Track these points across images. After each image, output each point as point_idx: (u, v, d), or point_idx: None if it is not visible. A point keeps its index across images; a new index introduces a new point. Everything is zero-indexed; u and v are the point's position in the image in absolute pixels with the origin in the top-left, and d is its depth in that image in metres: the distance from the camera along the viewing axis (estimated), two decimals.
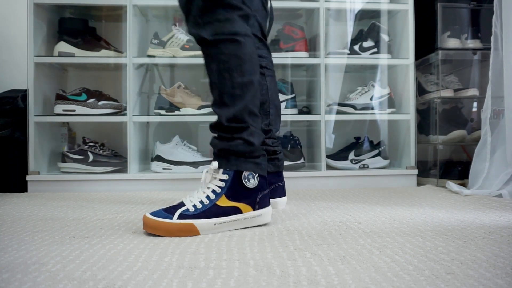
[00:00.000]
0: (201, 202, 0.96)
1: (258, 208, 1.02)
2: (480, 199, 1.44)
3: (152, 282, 0.62)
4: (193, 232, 0.93)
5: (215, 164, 1.00)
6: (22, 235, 0.93)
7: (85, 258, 0.75)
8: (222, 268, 0.69)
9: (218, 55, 1.00)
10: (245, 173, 1.00)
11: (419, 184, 1.90)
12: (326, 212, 1.22)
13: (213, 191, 0.98)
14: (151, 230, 0.93)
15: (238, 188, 0.99)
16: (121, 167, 1.85)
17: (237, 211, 0.99)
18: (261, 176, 1.03)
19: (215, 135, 1.05)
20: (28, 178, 1.76)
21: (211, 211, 0.96)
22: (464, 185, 1.71)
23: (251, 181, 1.01)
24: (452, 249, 0.80)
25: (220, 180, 0.99)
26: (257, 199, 1.01)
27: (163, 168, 1.85)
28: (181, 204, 0.97)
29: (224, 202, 0.97)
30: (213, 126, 1.04)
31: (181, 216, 0.93)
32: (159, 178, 1.81)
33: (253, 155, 1.02)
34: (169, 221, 0.92)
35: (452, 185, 1.66)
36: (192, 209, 0.95)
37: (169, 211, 0.94)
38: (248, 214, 1.00)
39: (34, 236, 0.93)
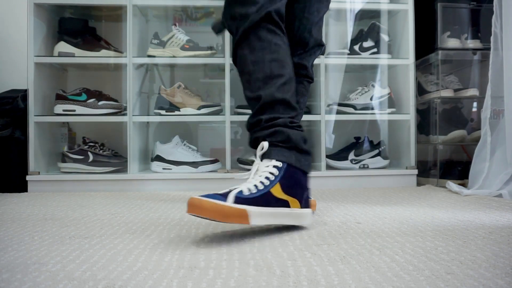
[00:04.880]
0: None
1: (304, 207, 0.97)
2: (480, 199, 1.45)
3: (152, 282, 0.62)
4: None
5: None
6: (22, 235, 0.93)
7: (85, 258, 0.75)
8: (222, 268, 0.69)
9: None
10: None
11: (419, 184, 1.90)
12: (326, 212, 1.22)
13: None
14: (204, 213, 0.81)
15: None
16: (121, 167, 1.85)
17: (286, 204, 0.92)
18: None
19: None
20: (28, 178, 1.76)
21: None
22: (464, 185, 1.71)
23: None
24: (452, 249, 0.80)
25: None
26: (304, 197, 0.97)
27: (163, 168, 1.85)
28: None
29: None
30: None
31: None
32: (159, 178, 1.81)
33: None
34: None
35: (452, 185, 1.66)
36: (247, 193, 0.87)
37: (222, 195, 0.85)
38: (296, 210, 0.94)
39: (34, 236, 0.93)
